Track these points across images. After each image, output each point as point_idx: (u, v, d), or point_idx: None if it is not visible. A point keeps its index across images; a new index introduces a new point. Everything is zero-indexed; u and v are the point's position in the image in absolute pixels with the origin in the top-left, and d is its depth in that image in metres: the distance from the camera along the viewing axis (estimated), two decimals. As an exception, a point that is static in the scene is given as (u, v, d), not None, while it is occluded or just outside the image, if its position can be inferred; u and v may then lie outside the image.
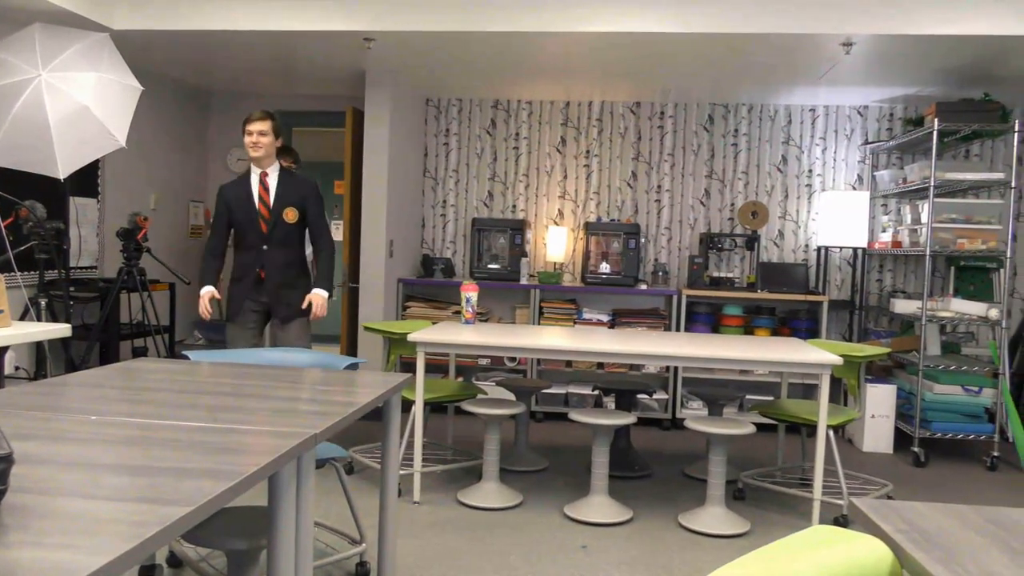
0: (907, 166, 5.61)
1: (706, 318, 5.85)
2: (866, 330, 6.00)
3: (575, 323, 5.93)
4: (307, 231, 4.08)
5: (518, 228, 6.08)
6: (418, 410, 3.86)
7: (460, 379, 5.35)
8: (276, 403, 2.08)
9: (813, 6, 4.11)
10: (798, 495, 4.02)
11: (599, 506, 3.75)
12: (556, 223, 6.36)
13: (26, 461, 1.46)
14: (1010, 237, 4.92)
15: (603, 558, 3.29)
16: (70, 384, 2.23)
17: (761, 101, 6.08)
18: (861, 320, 5.96)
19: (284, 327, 4.02)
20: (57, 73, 3.82)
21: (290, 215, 3.98)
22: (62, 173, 3.86)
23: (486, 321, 6.20)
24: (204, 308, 3.97)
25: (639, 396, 5.72)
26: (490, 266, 6.09)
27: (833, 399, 5.59)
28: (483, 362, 6.01)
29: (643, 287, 5.88)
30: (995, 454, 4.93)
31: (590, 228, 5.99)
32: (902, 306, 5.32)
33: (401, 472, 3.80)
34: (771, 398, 5.71)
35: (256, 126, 3.91)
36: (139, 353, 5.08)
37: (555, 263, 6.18)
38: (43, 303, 4.19)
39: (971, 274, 5.79)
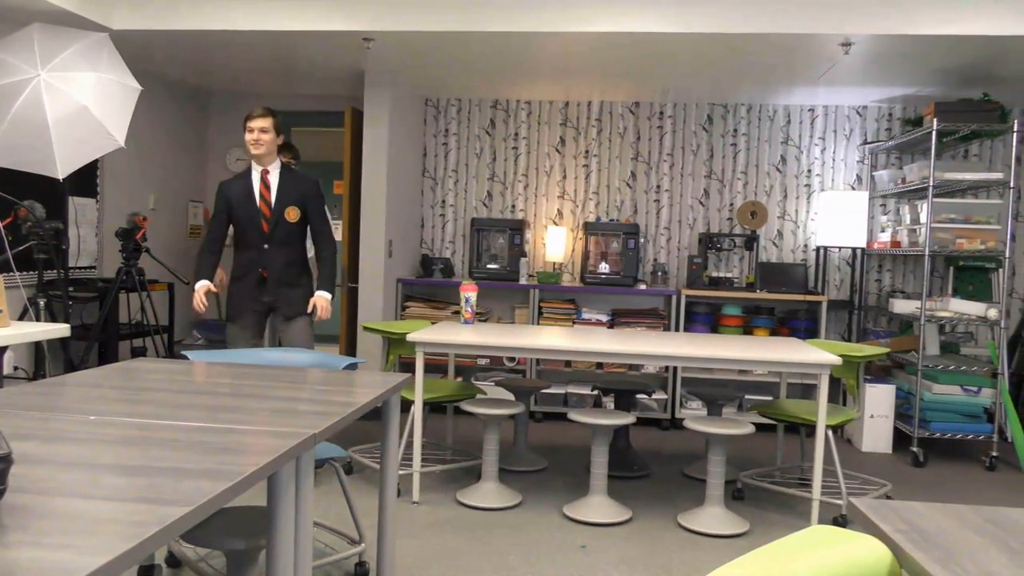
0: (906, 166, 5.62)
1: (705, 318, 5.85)
2: (865, 330, 6.00)
3: (574, 323, 5.93)
4: (308, 229, 4.07)
5: (517, 228, 6.08)
6: (417, 410, 3.86)
7: (459, 379, 5.35)
8: (275, 403, 2.08)
9: (812, 6, 4.11)
10: (797, 495, 4.02)
11: (598, 506, 3.75)
12: (555, 223, 6.36)
13: (25, 461, 1.46)
14: (1009, 237, 4.92)
15: (602, 558, 3.29)
16: (69, 384, 2.23)
17: (760, 101, 6.08)
18: (860, 320, 5.96)
19: (288, 324, 4.01)
20: (56, 73, 3.82)
21: (292, 214, 3.96)
22: (61, 173, 3.86)
23: (485, 321, 6.20)
24: (198, 301, 3.89)
25: (638, 396, 5.72)
26: (489, 266, 6.09)
27: (832, 399, 5.59)
28: (482, 362, 6.01)
29: (642, 287, 5.88)
30: (994, 454, 4.93)
31: (589, 228, 5.99)
32: (901, 306, 5.32)
33: (400, 472, 3.80)
34: (770, 398, 5.71)
35: (257, 123, 3.89)
36: (138, 353, 5.08)
37: (554, 263, 6.18)
38: (42, 303, 4.19)
39: (970, 274, 5.80)
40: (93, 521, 1.17)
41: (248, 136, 3.90)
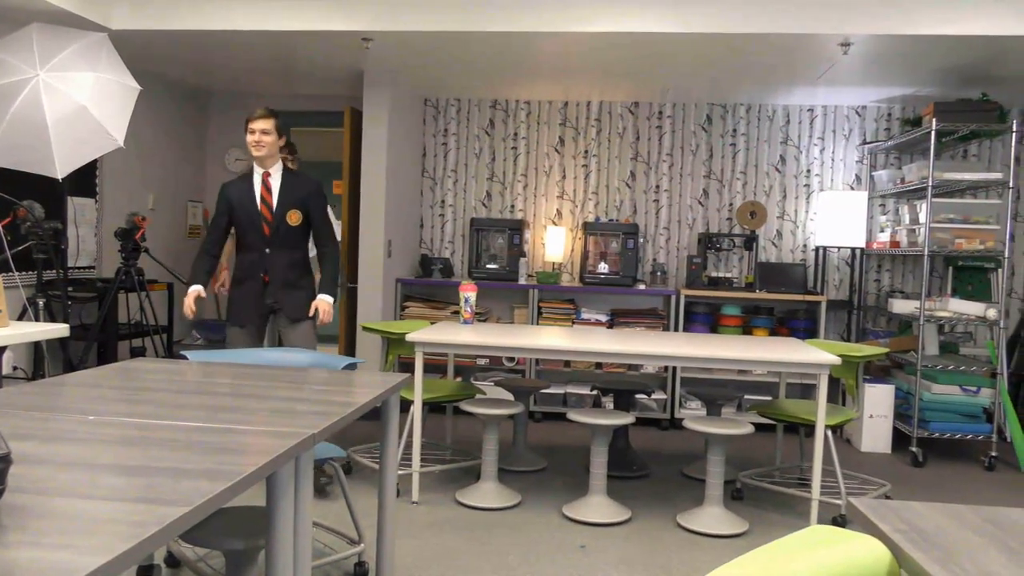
0: (905, 166, 5.62)
1: (704, 318, 5.85)
2: (864, 330, 6.00)
3: (573, 323, 5.93)
4: (310, 231, 4.05)
5: (516, 228, 6.08)
6: (416, 410, 3.86)
7: (459, 379, 5.35)
8: (274, 403, 2.08)
9: (812, 6, 4.11)
10: (796, 495, 4.02)
11: (597, 506, 3.75)
12: (554, 223, 6.36)
13: (24, 461, 1.46)
14: (1008, 237, 4.92)
15: (601, 558, 3.29)
16: (68, 384, 2.23)
17: (759, 101, 6.08)
18: (859, 320, 5.96)
19: (292, 326, 3.98)
20: (55, 73, 3.82)
21: (293, 218, 3.92)
22: (60, 173, 3.86)
23: (484, 321, 6.20)
24: (188, 306, 3.87)
25: (637, 396, 5.72)
26: (488, 266, 6.09)
27: (831, 399, 5.59)
28: (481, 362, 6.01)
29: (641, 287, 5.88)
30: (993, 454, 4.93)
31: (588, 228, 5.99)
32: (900, 306, 5.32)
33: (400, 472, 3.80)
34: (769, 398, 5.71)
35: (259, 124, 3.83)
36: (137, 353, 5.08)
37: (553, 263, 6.18)
38: (41, 303, 4.18)
39: (969, 274, 5.80)
40: (92, 521, 1.17)
41: (249, 138, 3.85)
